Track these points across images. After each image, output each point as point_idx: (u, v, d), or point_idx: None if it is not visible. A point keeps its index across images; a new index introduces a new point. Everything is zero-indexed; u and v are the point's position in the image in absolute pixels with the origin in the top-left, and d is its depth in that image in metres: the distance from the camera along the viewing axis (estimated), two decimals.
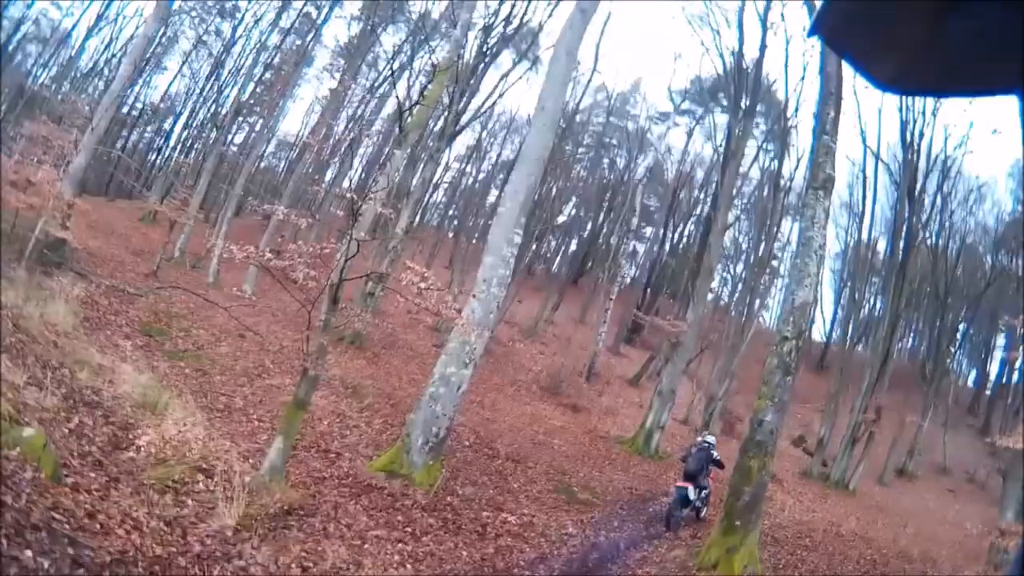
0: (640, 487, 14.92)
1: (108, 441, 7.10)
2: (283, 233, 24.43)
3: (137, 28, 32.33)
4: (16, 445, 5.37)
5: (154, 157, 50.14)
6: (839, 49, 0.78)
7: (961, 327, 34.46)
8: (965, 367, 44.86)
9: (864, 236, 35.28)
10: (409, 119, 15.57)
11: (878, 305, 35.54)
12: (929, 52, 0.69)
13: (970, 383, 44.16)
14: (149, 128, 50.79)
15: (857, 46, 0.75)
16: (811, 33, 0.74)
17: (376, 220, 15.36)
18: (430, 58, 19.70)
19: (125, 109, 41.80)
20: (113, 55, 37.78)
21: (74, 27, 40.44)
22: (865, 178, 32.65)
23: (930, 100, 22.07)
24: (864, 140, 29.58)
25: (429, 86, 15.71)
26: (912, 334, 41.71)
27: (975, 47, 0.67)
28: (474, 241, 41.72)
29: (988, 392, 40.95)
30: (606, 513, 12.22)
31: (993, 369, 42.38)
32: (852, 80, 12.21)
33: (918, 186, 25.70)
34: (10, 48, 38.57)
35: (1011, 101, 0.71)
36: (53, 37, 40.94)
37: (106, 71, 37.55)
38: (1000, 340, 40.35)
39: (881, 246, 36.33)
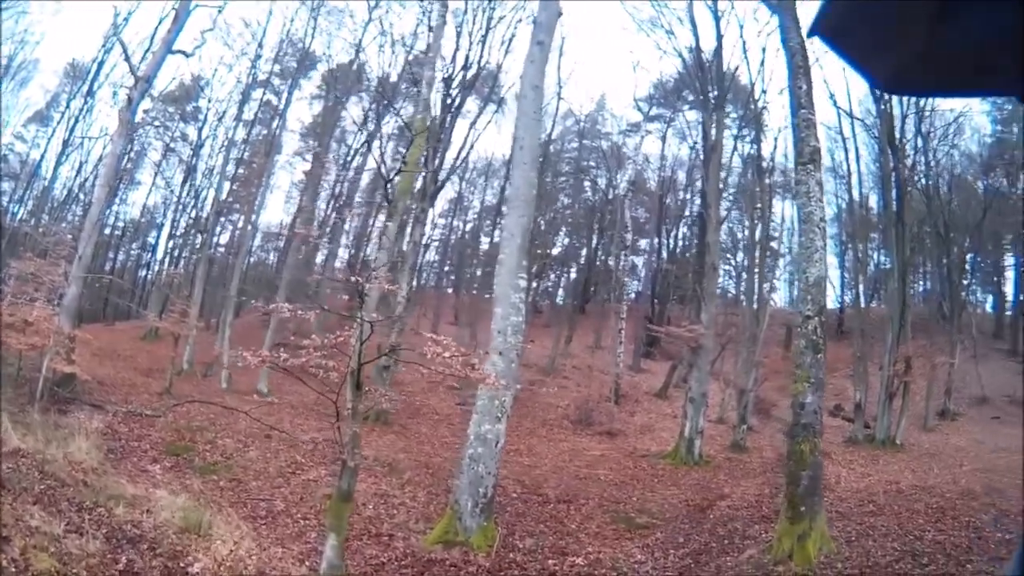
0: (695, 497, 14.67)
1: (161, 574, 6.87)
2: (288, 324, 24.30)
3: (105, 148, 32.40)
4: None
5: (144, 273, 50.19)
6: (839, 49, 0.79)
7: (968, 257, 34.31)
8: (980, 295, 45.11)
9: (855, 195, 35.38)
10: (396, 185, 15.49)
11: (883, 260, 35.53)
12: (929, 52, 0.70)
13: (989, 309, 44.69)
14: (134, 245, 50.91)
15: (857, 46, 0.76)
16: (811, 33, 0.75)
17: (381, 297, 15.28)
18: (397, 120, 19.72)
19: (107, 230, 41.94)
20: (86, 179, 37.89)
21: (42, 157, 40.72)
22: (844, 139, 32.93)
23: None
24: (835, 103, 29.85)
25: (408, 151, 15.64)
26: (923, 277, 41.52)
27: (975, 47, 0.68)
28: (475, 291, 41.63)
29: (1008, 312, 41.31)
30: (669, 531, 11.94)
31: (1008, 289, 42.92)
32: (811, 48, 12.20)
33: (897, 134, 25.97)
34: None
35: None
36: (23, 171, 41.12)
37: (81, 196, 37.64)
38: (1009, 259, 41.06)
39: (873, 201, 36.59)
